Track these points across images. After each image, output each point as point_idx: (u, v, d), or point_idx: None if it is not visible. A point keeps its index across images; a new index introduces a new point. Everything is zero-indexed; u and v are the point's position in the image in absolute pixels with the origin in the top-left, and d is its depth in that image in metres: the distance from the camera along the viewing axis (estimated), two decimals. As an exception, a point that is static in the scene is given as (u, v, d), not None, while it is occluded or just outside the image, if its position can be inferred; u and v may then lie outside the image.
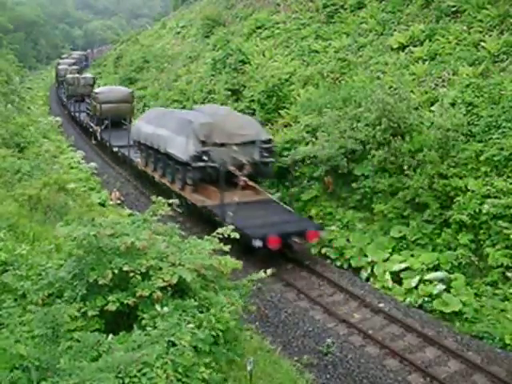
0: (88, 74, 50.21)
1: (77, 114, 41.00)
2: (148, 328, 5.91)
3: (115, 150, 28.86)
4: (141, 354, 5.24)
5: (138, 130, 23.91)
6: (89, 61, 79.44)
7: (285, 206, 18.34)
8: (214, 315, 6.30)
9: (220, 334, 6.20)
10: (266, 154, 18.94)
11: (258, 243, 14.92)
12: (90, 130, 35.38)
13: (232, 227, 8.09)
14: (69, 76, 47.14)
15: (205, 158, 17.83)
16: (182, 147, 18.57)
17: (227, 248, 7.74)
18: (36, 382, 5.13)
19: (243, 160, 17.97)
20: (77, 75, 47.21)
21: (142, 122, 24.17)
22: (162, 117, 22.56)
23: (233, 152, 18.01)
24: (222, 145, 18.17)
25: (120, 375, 5.09)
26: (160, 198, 8.70)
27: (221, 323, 6.27)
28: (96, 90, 35.84)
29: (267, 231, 15.40)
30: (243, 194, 17.36)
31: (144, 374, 5.14)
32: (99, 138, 32.55)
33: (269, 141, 19.28)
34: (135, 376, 5.12)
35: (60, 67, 56.58)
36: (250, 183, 18.00)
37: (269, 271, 7.69)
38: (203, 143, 18.05)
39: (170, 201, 8.75)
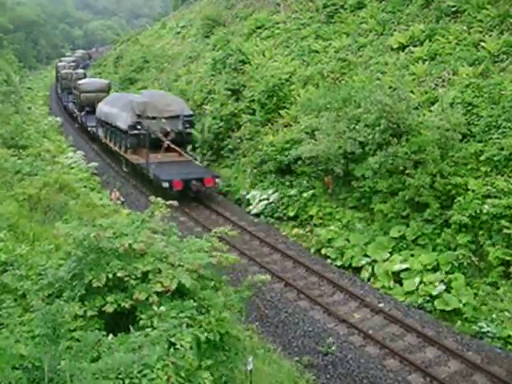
0: (80, 70, 54.26)
1: (66, 104, 47.27)
2: (147, 329, 5.90)
3: (89, 129, 34.80)
4: (141, 356, 5.23)
5: (99, 110, 30.03)
6: (92, 59, 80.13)
7: (198, 163, 24.28)
8: (214, 317, 6.30)
9: (220, 337, 6.21)
10: (187, 126, 25.20)
11: (165, 185, 21.09)
12: (74, 115, 41.39)
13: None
14: (63, 71, 51.65)
15: (139, 127, 23.89)
16: (124, 120, 24.89)
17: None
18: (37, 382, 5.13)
19: (168, 129, 24.12)
20: (70, 70, 51.61)
21: (102, 104, 30.12)
22: (115, 99, 29.17)
23: (161, 123, 24.01)
24: (154, 118, 24.15)
25: (120, 376, 5.08)
26: (159, 198, 8.71)
27: (220, 326, 6.26)
28: (78, 81, 40.39)
29: (173, 177, 21.30)
30: (167, 155, 24.06)
31: (144, 376, 5.13)
32: (80, 121, 38.45)
33: (190, 116, 25.51)
34: (136, 377, 5.11)
35: (60, 64, 59.92)
36: (173, 146, 24.13)
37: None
38: (138, 116, 24.15)
39: (168, 202, 8.81)
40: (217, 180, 22.25)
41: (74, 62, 63.02)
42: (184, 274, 6.62)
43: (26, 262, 7.61)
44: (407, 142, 16.31)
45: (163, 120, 24.12)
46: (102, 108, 29.57)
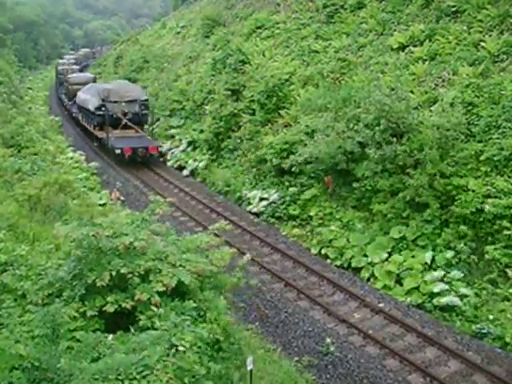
0: (75, 66, 58.80)
1: (60, 95, 53.48)
2: (146, 329, 5.90)
3: (74, 115, 40.94)
4: (142, 356, 5.22)
5: (78, 98, 36.79)
6: (96, 58, 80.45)
7: (149, 138, 30.76)
8: (215, 319, 6.31)
9: (220, 338, 6.21)
10: (143, 108, 31.27)
11: (117, 151, 27.81)
12: (64, 104, 48.30)
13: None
14: (60, 67, 56.45)
15: (103, 109, 30.12)
16: (92, 104, 31.41)
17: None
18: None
19: (126, 110, 30.27)
20: (66, 66, 56.26)
21: (80, 92, 36.76)
22: (89, 88, 36.05)
23: (121, 106, 30.21)
24: (115, 102, 30.23)
25: (120, 377, 5.07)
26: (158, 197, 8.72)
27: (220, 327, 6.27)
28: (68, 75, 46.75)
29: (124, 146, 27.99)
30: (125, 131, 30.19)
31: (144, 377, 5.12)
32: (68, 109, 44.94)
33: (146, 100, 31.65)
34: (135, 378, 5.10)
35: (60, 61, 63.52)
36: (130, 124, 30.32)
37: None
38: (103, 100, 30.42)
39: (168, 199, 8.86)
40: (159, 149, 29.07)
41: (75, 59, 67.67)
42: (184, 272, 6.62)
43: (26, 262, 7.61)
44: (408, 140, 16.31)
45: (123, 103, 30.31)
46: (80, 96, 36.26)
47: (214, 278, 7.56)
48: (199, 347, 5.83)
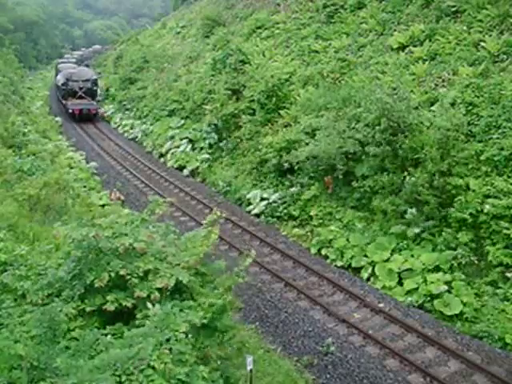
0: (72, 60, 67.56)
1: (55, 82, 62.41)
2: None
3: (57, 95, 51.72)
4: (137, 350, 5.22)
5: (57, 79, 50.47)
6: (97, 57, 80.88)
7: (96, 104, 44.51)
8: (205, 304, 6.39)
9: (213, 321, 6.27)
10: (94, 84, 45.10)
11: (70, 111, 42.32)
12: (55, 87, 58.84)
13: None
14: (60, 60, 65.71)
15: (66, 84, 43.81)
16: (61, 82, 45.67)
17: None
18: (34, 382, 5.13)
19: (82, 86, 43.67)
20: (64, 60, 65.90)
21: (58, 76, 49.81)
22: (62, 71, 48.65)
23: (79, 84, 43.69)
24: (75, 80, 43.97)
25: (117, 373, 5.07)
26: (157, 197, 8.73)
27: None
28: (59, 65, 57.18)
29: (75, 108, 42.17)
30: (80, 100, 43.65)
31: (142, 371, 5.11)
32: (56, 91, 55.81)
33: (96, 79, 46.03)
34: (132, 373, 5.10)
35: (66, 56, 73.63)
36: (83, 95, 43.84)
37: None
38: (67, 80, 44.15)
39: (168, 199, 8.86)
40: (99, 110, 44.08)
41: (81, 55, 76.05)
42: (182, 271, 6.63)
43: (26, 262, 7.60)
44: (411, 138, 16.32)
45: (80, 82, 44.05)
46: (57, 77, 49.87)
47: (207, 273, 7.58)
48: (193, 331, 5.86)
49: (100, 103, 47.39)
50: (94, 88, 45.47)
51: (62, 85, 44.92)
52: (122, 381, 5.00)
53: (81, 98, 43.84)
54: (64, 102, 45.22)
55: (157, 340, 5.39)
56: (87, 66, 64.24)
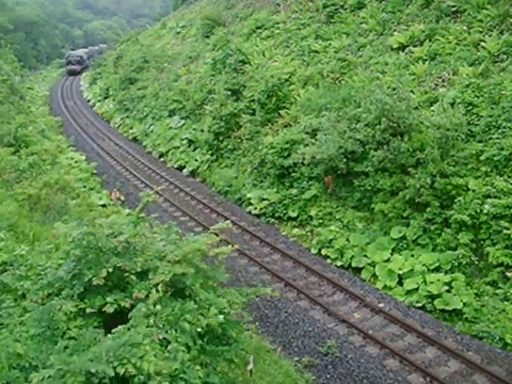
0: (80, 50, 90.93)
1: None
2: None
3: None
4: (127, 337, 5.23)
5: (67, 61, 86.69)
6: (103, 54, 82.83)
7: (79, 68, 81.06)
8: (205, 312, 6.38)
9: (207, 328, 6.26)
10: (84, 60, 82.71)
11: (68, 69, 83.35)
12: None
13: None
14: (68, 53, 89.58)
15: (68, 59, 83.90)
16: (65, 60, 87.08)
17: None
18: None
19: (78, 59, 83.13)
20: (71, 52, 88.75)
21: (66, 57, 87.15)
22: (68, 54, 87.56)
23: (74, 58, 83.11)
24: (72, 56, 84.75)
25: (110, 360, 5.08)
26: (148, 190, 8.88)
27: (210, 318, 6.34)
28: (67, 52, 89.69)
29: (71, 68, 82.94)
30: (73, 66, 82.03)
31: (134, 355, 5.12)
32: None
33: (81, 56, 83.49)
34: (125, 358, 5.11)
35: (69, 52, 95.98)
36: (76, 64, 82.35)
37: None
38: (67, 57, 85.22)
39: (158, 188, 9.19)
40: (80, 72, 77.54)
41: (87, 51, 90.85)
42: (178, 266, 6.65)
43: (26, 262, 7.60)
44: (409, 139, 16.32)
45: (75, 57, 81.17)
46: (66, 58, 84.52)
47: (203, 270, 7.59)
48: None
49: (85, 69, 77.78)
50: (83, 60, 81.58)
51: (67, 62, 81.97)
52: (114, 366, 5.01)
53: (74, 65, 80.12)
54: (67, 67, 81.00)
55: (148, 330, 5.42)
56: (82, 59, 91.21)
